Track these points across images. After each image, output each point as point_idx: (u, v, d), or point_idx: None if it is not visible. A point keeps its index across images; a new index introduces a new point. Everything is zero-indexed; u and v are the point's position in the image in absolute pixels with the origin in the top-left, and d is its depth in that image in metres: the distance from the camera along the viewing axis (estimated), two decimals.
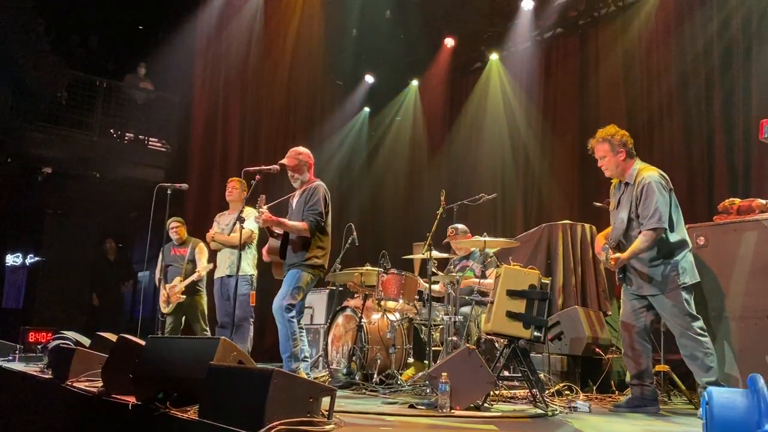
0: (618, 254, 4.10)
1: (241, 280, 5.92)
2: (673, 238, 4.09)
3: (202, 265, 6.70)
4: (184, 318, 6.89)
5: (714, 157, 7.42)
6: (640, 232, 4.08)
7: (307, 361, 5.02)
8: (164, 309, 6.80)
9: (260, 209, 4.83)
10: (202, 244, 6.85)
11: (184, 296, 6.67)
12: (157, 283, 6.96)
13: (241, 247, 5.92)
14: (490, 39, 10.50)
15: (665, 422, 3.84)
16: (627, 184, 4.25)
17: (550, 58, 9.97)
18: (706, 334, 4.05)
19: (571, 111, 9.43)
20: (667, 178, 4.20)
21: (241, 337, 5.92)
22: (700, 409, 2.56)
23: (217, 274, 6.30)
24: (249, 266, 6.16)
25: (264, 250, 5.24)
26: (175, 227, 6.99)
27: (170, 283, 6.76)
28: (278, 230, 5.02)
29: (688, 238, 4.18)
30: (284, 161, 5.07)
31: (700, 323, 4.05)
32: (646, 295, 4.18)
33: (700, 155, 7.60)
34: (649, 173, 4.15)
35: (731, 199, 4.77)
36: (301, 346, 4.91)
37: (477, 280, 5.70)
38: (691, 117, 7.75)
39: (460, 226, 6.32)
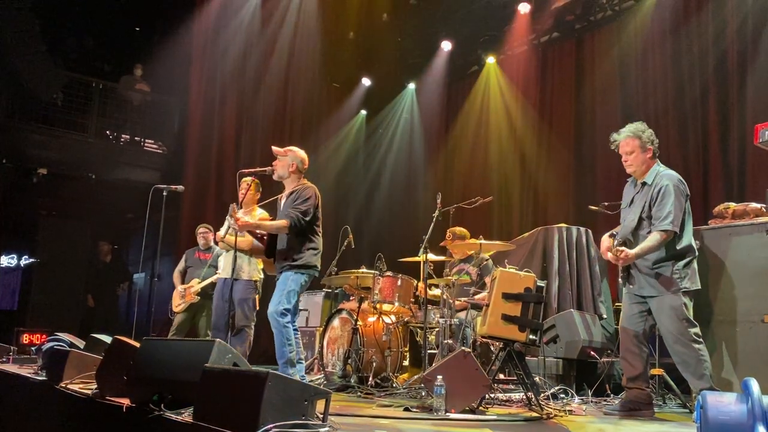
0: (626, 250, 4.03)
1: (245, 284, 5.91)
2: (681, 243, 4.07)
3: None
4: (193, 319, 6.96)
5: (709, 161, 7.45)
6: (649, 232, 4.05)
7: (301, 363, 5.01)
8: (176, 308, 6.88)
9: (234, 216, 4.78)
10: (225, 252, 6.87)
11: (199, 297, 6.76)
12: (174, 282, 7.06)
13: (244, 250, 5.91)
14: (487, 42, 10.52)
15: (660, 426, 3.85)
16: (644, 183, 4.21)
17: (547, 61, 10.01)
18: (701, 341, 4.02)
19: (567, 114, 9.46)
20: (686, 184, 4.17)
21: (240, 340, 5.89)
22: (695, 412, 2.56)
23: (221, 275, 6.27)
24: (256, 271, 6.09)
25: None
26: (203, 232, 7.13)
27: (186, 284, 6.90)
28: (261, 232, 5.00)
29: (695, 246, 4.15)
30: (276, 148, 5.04)
31: (696, 330, 4.02)
32: (645, 297, 4.16)
33: (696, 159, 7.63)
34: (670, 176, 4.13)
35: (726, 203, 4.78)
36: (296, 348, 4.88)
37: (469, 296, 5.71)
38: (687, 121, 7.78)
39: (459, 229, 6.32)
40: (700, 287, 4.11)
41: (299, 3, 10.58)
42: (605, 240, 4.31)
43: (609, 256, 4.08)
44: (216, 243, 6.66)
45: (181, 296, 6.90)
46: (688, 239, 4.10)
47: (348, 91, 11.90)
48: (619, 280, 4.35)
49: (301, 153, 5.09)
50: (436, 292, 5.84)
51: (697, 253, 4.14)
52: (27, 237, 11.01)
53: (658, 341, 4.75)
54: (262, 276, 6.09)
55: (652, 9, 8.34)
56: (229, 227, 5.20)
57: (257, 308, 6.08)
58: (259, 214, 5.87)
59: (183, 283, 7.01)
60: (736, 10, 7.33)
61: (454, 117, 11.20)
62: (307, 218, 4.78)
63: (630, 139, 4.23)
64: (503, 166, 10.19)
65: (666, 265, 4.05)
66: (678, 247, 4.06)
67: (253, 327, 6.05)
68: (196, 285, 6.84)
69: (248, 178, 5.64)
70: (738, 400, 2.31)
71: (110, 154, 10.85)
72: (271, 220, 5.10)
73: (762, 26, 7.06)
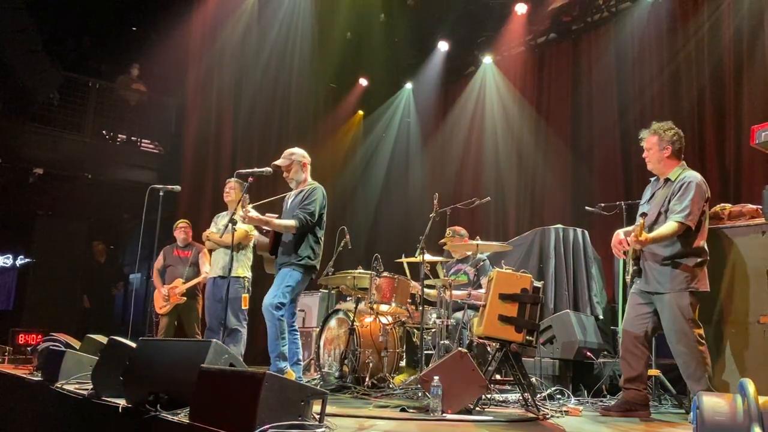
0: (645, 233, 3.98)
1: (234, 282, 5.89)
2: (696, 243, 4.05)
3: (206, 269, 6.67)
4: (178, 320, 6.89)
5: (705, 162, 7.46)
6: None
7: (299, 364, 5.01)
8: (160, 309, 6.78)
9: (244, 208, 4.81)
10: (206, 249, 6.83)
11: (185, 298, 6.68)
12: (154, 282, 6.96)
13: (236, 248, 5.90)
14: (484, 43, 10.53)
15: (656, 426, 3.85)
16: (668, 180, 4.22)
17: (544, 62, 10.02)
18: (704, 343, 4.01)
19: (564, 116, 9.47)
20: (708, 186, 4.17)
21: (234, 340, 5.89)
22: (691, 413, 2.57)
23: (210, 275, 6.26)
24: (243, 269, 6.08)
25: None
26: (183, 227, 7.02)
27: (169, 285, 6.76)
28: (266, 227, 5.02)
29: (707, 250, 4.13)
30: (277, 162, 5.08)
31: (700, 331, 4.01)
32: (652, 293, 4.13)
33: (692, 160, 7.61)
34: (693, 175, 4.15)
35: (722, 204, 4.78)
36: (294, 347, 4.89)
37: (467, 291, 5.70)
38: (683, 122, 7.76)
39: (458, 228, 6.32)
40: (708, 290, 4.08)
41: (296, 3, 10.58)
42: (617, 235, 4.31)
43: (631, 238, 4.01)
44: (199, 240, 6.61)
45: (165, 298, 6.79)
46: (702, 241, 4.09)
47: (345, 92, 11.92)
48: (627, 278, 4.33)
49: (300, 150, 5.16)
50: (430, 291, 5.84)
51: (708, 257, 4.12)
52: (23, 237, 10.98)
53: (655, 342, 4.76)
54: (250, 274, 6.09)
55: (649, 10, 8.36)
56: (226, 227, 5.19)
57: (247, 306, 6.07)
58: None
59: (163, 282, 6.93)
60: (732, 11, 7.35)
61: (451, 117, 11.21)
62: (314, 219, 4.83)
63: (650, 136, 4.31)
64: (500, 167, 10.20)
65: (678, 263, 4.04)
66: (692, 247, 4.04)
67: (245, 326, 6.03)
68: (180, 286, 6.77)
69: (233, 179, 5.94)
70: (734, 400, 2.31)
71: (107, 154, 10.82)
72: (276, 216, 5.11)
73: (758, 27, 7.08)
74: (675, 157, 4.26)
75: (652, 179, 4.44)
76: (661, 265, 4.08)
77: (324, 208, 5.00)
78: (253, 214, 4.84)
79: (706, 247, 4.12)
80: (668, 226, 4.00)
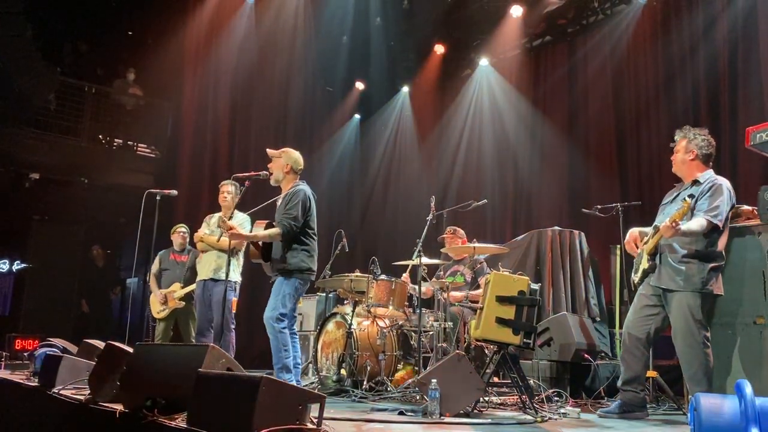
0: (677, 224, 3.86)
1: (224, 285, 5.86)
2: (716, 246, 4.03)
3: None
4: (176, 324, 6.86)
5: None
6: None
7: (297, 368, 4.99)
8: (158, 314, 6.75)
9: (225, 225, 4.78)
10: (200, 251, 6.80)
11: (183, 302, 6.65)
12: (150, 287, 6.92)
13: (230, 252, 5.87)
14: (480, 46, 10.56)
15: (654, 428, 3.86)
16: (696, 181, 4.19)
17: (540, 65, 10.05)
18: (709, 345, 3.98)
19: (560, 118, 9.50)
20: (734, 194, 4.15)
21: (222, 344, 5.85)
22: (689, 414, 2.57)
23: (199, 277, 6.19)
24: (234, 272, 6.05)
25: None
26: (182, 232, 7.00)
27: (166, 289, 6.74)
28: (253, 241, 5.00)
29: (725, 256, 4.10)
30: (269, 150, 5.07)
31: (706, 333, 3.99)
32: (663, 289, 4.09)
33: None
34: (723, 179, 4.14)
35: None
36: (293, 353, 4.87)
37: (464, 293, 5.70)
38: (678, 123, 7.74)
39: (458, 228, 6.33)
40: (722, 294, 4.05)
41: (292, 7, 10.59)
42: (632, 233, 4.30)
43: (666, 222, 3.86)
44: (194, 245, 6.58)
45: (162, 302, 6.75)
46: (722, 245, 4.06)
47: (342, 95, 11.93)
48: (634, 278, 4.31)
49: (295, 153, 5.08)
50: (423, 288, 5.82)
51: (725, 263, 4.10)
52: (19, 242, 10.95)
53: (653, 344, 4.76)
54: (240, 278, 6.08)
55: (645, 12, 8.39)
56: (221, 233, 5.19)
57: (235, 310, 6.06)
58: (240, 219, 5.79)
59: (160, 286, 6.88)
60: (727, 13, 7.38)
61: (448, 120, 11.23)
62: (299, 222, 4.76)
63: (681, 140, 4.32)
64: (497, 169, 10.22)
65: (696, 263, 4.00)
66: (713, 248, 4.02)
67: (233, 329, 6.00)
68: (179, 290, 6.72)
69: (228, 181, 5.94)
70: (731, 402, 2.32)
71: (103, 158, 10.80)
72: (266, 222, 5.08)
73: (752, 28, 7.11)
74: (701, 162, 4.23)
75: (677, 184, 4.41)
76: (679, 263, 4.04)
77: (310, 208, 4.92)
78: (238, 231, 4.81)
79: (724, 253, 4.09)
80: (697, 222, 3.95)
